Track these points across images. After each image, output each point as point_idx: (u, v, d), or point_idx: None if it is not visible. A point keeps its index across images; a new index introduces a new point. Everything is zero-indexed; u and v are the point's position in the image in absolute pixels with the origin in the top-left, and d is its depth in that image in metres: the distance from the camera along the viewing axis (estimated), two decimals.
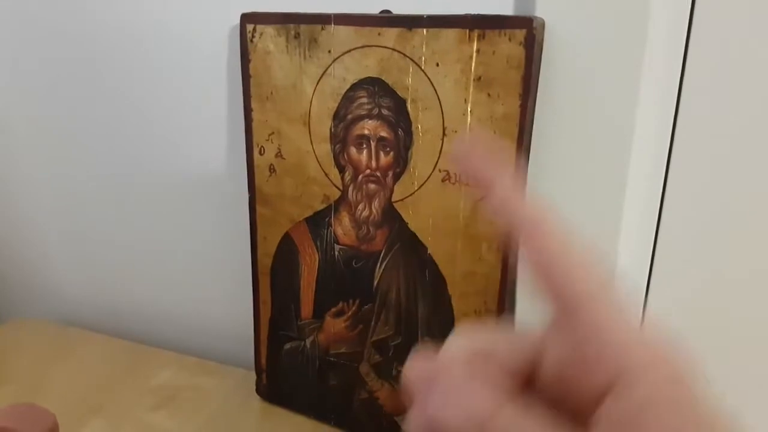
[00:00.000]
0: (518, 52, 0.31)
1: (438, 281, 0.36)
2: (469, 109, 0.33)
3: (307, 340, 0.42)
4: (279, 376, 0.44)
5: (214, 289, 0.50)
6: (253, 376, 0.45)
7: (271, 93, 0.38)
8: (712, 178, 0.34)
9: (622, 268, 0.35)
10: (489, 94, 0.32)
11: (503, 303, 0.35)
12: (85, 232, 0.54)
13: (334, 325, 0.40)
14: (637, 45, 0.30)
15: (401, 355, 0.39)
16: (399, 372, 0.39)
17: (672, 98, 0.34)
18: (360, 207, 0.38)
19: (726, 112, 0.33)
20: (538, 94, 0.32)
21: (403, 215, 0.36)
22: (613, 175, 0.33)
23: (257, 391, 0.45)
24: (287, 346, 0.43)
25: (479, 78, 0.32)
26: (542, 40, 0.31)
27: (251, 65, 0.39)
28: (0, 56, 0.51)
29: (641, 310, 0.38)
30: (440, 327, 0.37)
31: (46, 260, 0.57)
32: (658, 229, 0.36)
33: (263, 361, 0.44)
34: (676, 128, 0.34)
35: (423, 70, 0.33)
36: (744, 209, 0.34)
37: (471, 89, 0.32)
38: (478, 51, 0.32)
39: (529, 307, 0.37)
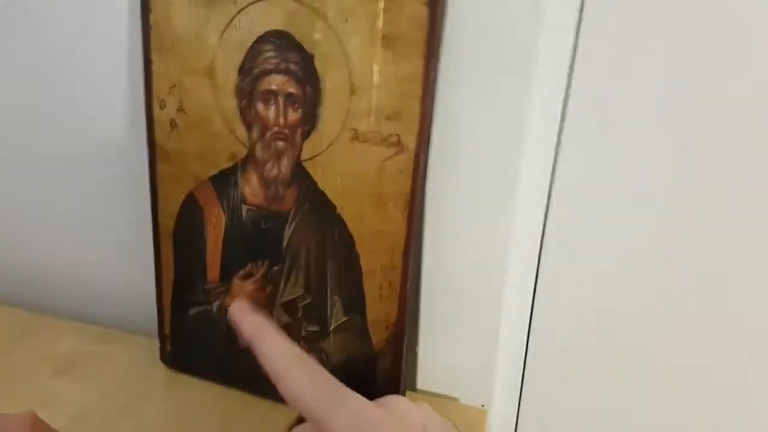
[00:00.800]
0: (422, 11, 0.31)
1: (347, 240, 0.36)
2: (376, 68, 0.33)
3: (213, 304, 0.41)
4: (184, 343, 0.43)
5: (114, 254, 0.47)
6: (157, 343, 0.43)
7: (173, 44, 0.36)
8: (605, 140, 0.37)
9: (516, 233, 0.37)
10: (394, 53, 0.32)
11: (408, 261, 0.36)
12: None
13: (243, 287, 0.40)
14: (534, 3, 0.32)
15: (310, 315, 0.39)
16: (308, 332, 0.39)
17: (568, 56, 0.35)
18: (268, 165, 0.37)
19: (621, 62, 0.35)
20: (443, 54, 0.33)
21: (313, 174, 0.36)
22: (510, 138, 0.35)
23: (161, 358, 0.43)
24: (193, 311, 0.41)
25: (385, 36, 0.32)
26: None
27: (152, 16, 0.36)
28: None
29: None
30: (348, 285, 0.37)
31: None
32: (549, 199, 0.39)
33: (167, 327, 0.43)
34: (571, 90, 0.36)
35: (330, 26, 0.33)
36: (636, 199, 0.37)
37: (378, 47, 0.32)
38: (385, 9, 0.32)
39: (433, 264, 0.39)
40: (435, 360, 0.42)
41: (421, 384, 0.43)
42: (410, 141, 0.33)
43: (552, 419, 0.46)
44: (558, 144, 0.37)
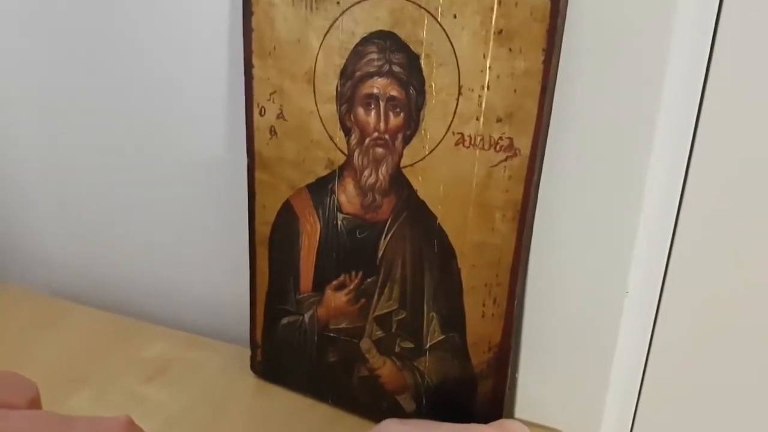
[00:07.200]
0: (543, 2, 0.28)
1: (447, 253, 0.34)
2: (488, 65, 0.30)
3: (305, 315, 0.40)
4: (275, 353, 0.42)
5: (209, 261, 0.48)
6: (247, 352, 0.43)
7: (274, 48, 0.36)
8: (743, 146, 0.32)
9: (639, 249, 0.33)
10: (510, 49, 0.30)
11: (516, 277, 0.33)
12: (75, 198, 0.52)
13: (335, 298, 0.38)
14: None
15: (405, 331, 0.36)
16: (402, 348, 0.37)
17: (703, 61, 0.31)
18: (366, 173, 0.35)
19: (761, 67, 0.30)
20: (563, 49, 0.30)
21: (412, 182, 0.34)
22: (638, 139, 0.31)
23: (252, 367, 0.43)
24: (284, 320, 0.41)
25: (500, 31, 0.30)
26: None
27: (254, 18, 0.36)
28: None
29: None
30: (447, 301, 0.35)
31: (34, 227, 0.55)
32: (679, 212, 0.34)
33: (259, 336, 0.42)
34: (705, 97, 0.32)
35: (439, 23, 0.31)
36: None
37: (491, 43, 0.30)
38: (499, 2, 0.29)
39: (542, 282, 0.35)
40: (537, 387, 0.38)
41: (519, 413, 0.39)
42: (524, 144, 0.30)
43: None
44: (692, 149, 0.32)
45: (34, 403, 0.30)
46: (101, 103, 0.47)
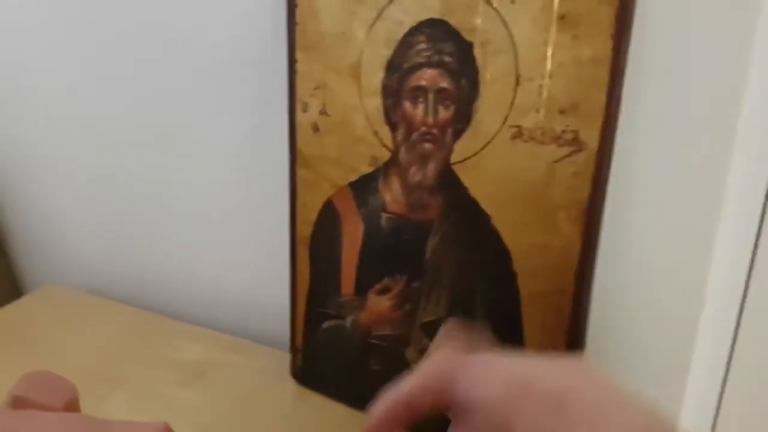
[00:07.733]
0: None
1: (501, 256, 0.31)
2: (549, 53, 0.28)
3: (347, 319, 0.38)
4: (315, 358, 0.40)
5: (249, 261, 0.47)
6: (287, 356, 0.42)
7: (318, 41, 0.34)
8: None
9: (719, 254, 0.30)
10: (575, 35, 0.27)
11: (582, 283, 0.30)
12: (114, 198, 0.52)
13: (378, 303, 0.36)
14: None
15: None
16: None
17: None
18: (412, 170, 0.33)
19: None
20: (634, 34, 0.27)
21: (463, 179, 0.32)
22: (718, 133, 0.28)
23: (292, 372, 0.41)
24: (325, 324, 0.39)
25: (563, 16, 0.27)
26: None
27: (298, 11, 0.35)
28: None
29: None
30: (502, 310, 0.32)
31: (73, 228, 0.56)
32: (765, 211, 0.31)
33: (299, 340, 0.41)
34: None
35: (495, 8, 0.29)
36: None
37: (552, 29, 0.27)
38: None
39: (610, 291, 0.32)
40: None
41: None
42: (591, 138, 0.28)
43: None
44: None
45: (72, 405, 0.29)
46: (141, 104, 0.47)
